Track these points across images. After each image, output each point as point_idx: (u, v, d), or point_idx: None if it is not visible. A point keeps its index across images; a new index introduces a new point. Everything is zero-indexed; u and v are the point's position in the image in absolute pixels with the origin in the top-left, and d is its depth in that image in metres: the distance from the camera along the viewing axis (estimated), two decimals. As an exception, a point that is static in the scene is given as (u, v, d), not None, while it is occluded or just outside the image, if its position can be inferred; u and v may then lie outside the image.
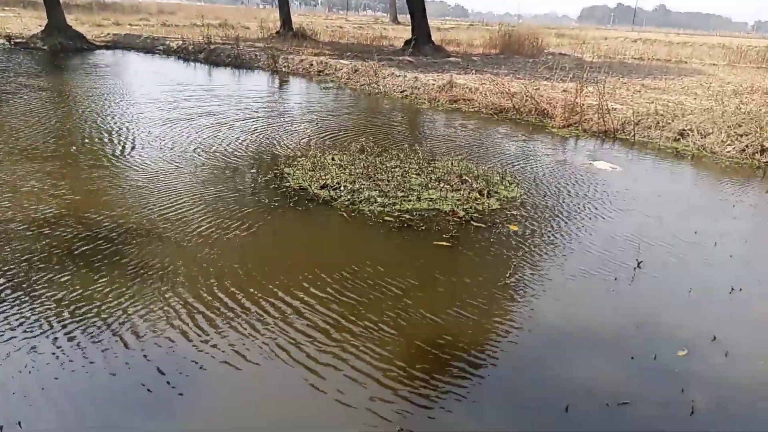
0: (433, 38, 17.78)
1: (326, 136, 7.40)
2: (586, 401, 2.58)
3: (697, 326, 3.25)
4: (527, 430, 2.41)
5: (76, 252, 3.74)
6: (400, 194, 5.08)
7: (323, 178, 5.41)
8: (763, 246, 4.46)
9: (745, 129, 7.48)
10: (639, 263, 3.97)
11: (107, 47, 18.18)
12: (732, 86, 11.52)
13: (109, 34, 19.86)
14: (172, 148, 6.41)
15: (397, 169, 5.76)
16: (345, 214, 4.64)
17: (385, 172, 5.61)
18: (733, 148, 7.29)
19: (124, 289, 3.31)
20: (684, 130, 7.85)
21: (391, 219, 4.56)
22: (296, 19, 24.35)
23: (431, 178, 5.55)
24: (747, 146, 7.22)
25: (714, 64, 17.04)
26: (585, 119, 8.55)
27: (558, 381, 2.73)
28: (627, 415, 2.50)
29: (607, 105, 8.49)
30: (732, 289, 3.69)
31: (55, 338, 2.84)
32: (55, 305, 3.11)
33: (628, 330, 3.19)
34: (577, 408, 2.53)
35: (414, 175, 5.62)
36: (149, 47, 17.94)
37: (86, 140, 6.68)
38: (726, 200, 5.58)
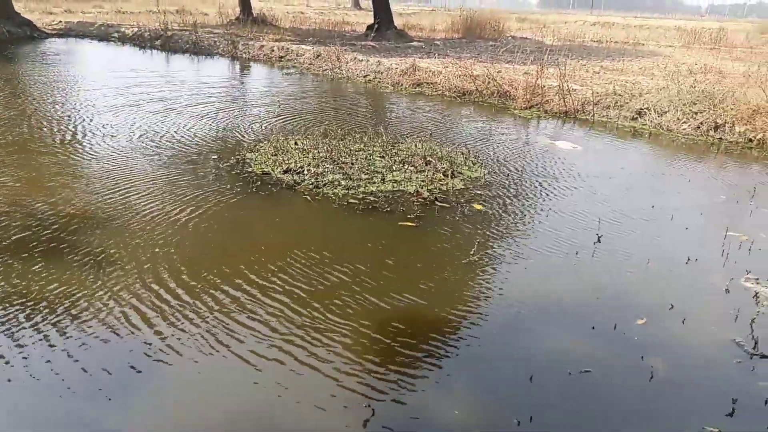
0: (395, 23, 17.70)
1: (289, 121, 7.31)
2: (550, 371, 2.63)
3: (655, 296, 3.34)
4: (493, 402, 2.44)
5: (12, 240, 3.63)
6: (364, 177, 5.05)
7: (286, 162, 5.35)
8: (717, 218, 4.60)
9: (699, 107, 7.69)
10: (599, 237, 4.06)
11: (59, 35, 17.52)
12: (686, 66, 11.81)
13: (60, 21, 19.14)
14: (114, 135, 6.24)
15: (360, 152, 5.73)
16: (309, 198, 4.60)
17: (348, 156, 5.58)
18: (689, 125, 7.49)
19: (55, 279, 3.21)
20: (641, 109, 8.02)
21: (356, 201, 4.55)
22: (256, 5, 23.87)
23: (395, 160, 5.54)
24: (701, 123, 7.43)
25: (670, 46, 17.40)
26: (546, 100, 8.66)
27: (522, 353, 2.77)
28: (589, 383, 2.56)
29: (567, 86, 8.61)
30: (688, 259, 3.80)
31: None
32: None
33: (589, 301, 3.26)
34: (540, 378, 2.57)
35: (378, 158, 5.60)
36: (103, 35, 17.37)
37: (29, 129, 6.44)
38: (681, 175, 5.74)
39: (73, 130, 6.46)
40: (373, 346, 2.74)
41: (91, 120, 6.88)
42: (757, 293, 3.42)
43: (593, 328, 2.98)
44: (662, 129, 7.59)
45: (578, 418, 2.36)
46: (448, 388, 2.50)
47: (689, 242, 4.11)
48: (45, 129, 6.48)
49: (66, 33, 17.90)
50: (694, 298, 3.36)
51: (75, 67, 11.44)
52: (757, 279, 3.57)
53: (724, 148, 6.89)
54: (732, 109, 7.44)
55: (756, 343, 2.90)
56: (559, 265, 3.67)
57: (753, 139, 7.00)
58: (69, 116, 7.08)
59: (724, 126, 7.31)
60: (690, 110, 7.67)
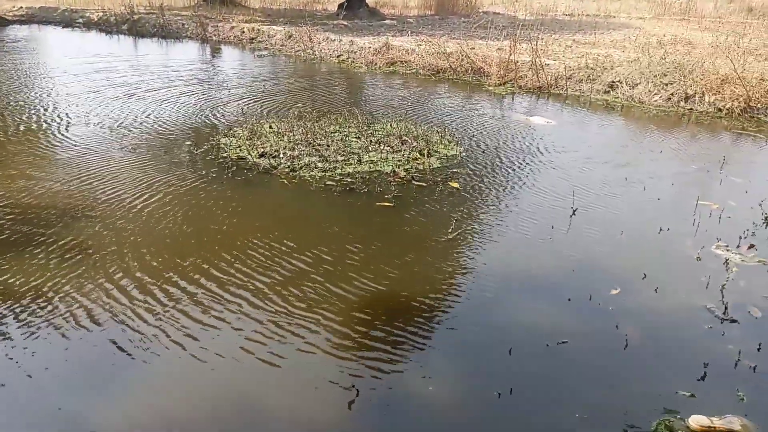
0: (367, 1, 17.49)
1: (263, 104, 7.23)
2: (528, 343, 2.69)
3: (628, 266, 3.42)
4: (473, 376, 2.49)
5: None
6: (340, 158, 5.04)
7: (261, 146, 5.31)
8: (688, 187, 4.70)
9: (669, 78, 7.78)
10: (574, 211, 4.12)
11: (21, 22, 16.98)
12: (657, 38, 11.90)
13: (22, 7, 18.52)
14: (78, 124, 6.12)
15: (336, 134, 5.71)
16: (286, 181, 4.58)
17: (324, 137, 5.55)
18: (660, 96, 7.59)
19: (14, 271, 3.18)
20: (613, 82, 8.09)
21: (333, 183, 4.54)
22: (224, -14, 23.32)
23: (371, 140, 5.53)
24: (672, 94, 7.53)
25: (641, 18, 17.51)
26: (520, 76, 8.68)
27: (501, 327, 2.83)
28: (566, 353, 2.62)
29: (540, 61, 8.63)
30: (660, 229, 3.89)
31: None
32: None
33: (565, 274, 3.32)
34: (519, 350, 2.63)
35: (354, 139, 5.59)
36: (67, 20, 16.88)
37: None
38: (653, 146, 5.83)
39: (30, 119, 6.29)
40: (354, 325, 2.77)
41: (52, 108, 6.73)
42: (727, 260, 3.51)
43: (569, 300, 3.04)
44: (634, 101, 7.68)
45: (557, 388, 2.43)
46: (428, 364, 2.54)
47: (661, 212, 4.20)
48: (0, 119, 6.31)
49: (29, 19, 17.36)
50: (667, 266, 3.45)
51: (35, 55, 11.08)
52: (727, 246, 3.67)
53: (695, 118, 7.00)
54: (701, 79, 7.55)
55: (726, 309, 2.99)
56: (536, 239, 3.73)
57: (722, 108, 7.12)
58: (25, 105, 6.89)
59: (694, 96, 7.42)
60: (661, 82, 7.76)
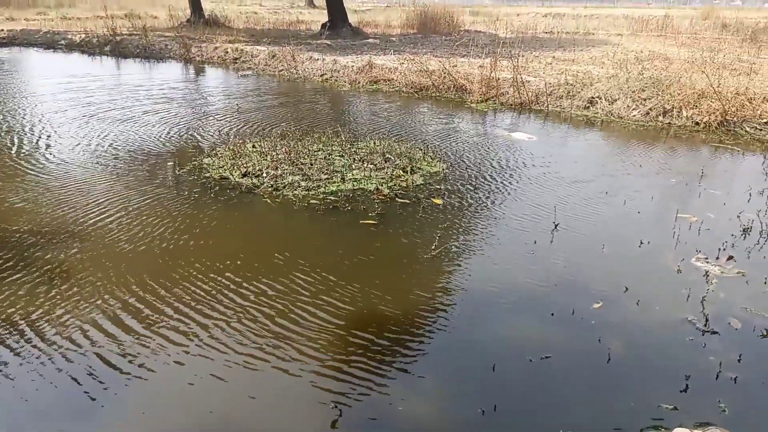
0: (350, 20, 17.66)
1: (246, 123, 7.24)
2: (511, 359, 2.69)
3: (610, 279, 3.44)
4: (456, 393, 2.48)
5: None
6: (324, 177, 5.05)
7: (245, 165, 5.30)
8: (668, 200, 4.76)
9: (648, 93, 7.92)
10: (556, 225, 4.15)
11: (2, 44, 16.91)
12: (635, 54, 12.13)
13: (3, 30, 18.45)
14: (70, 145, 6.09)
15: (319, 152, 5.72)
16: (269, 201, 4.57)
17: (307, 156, 5.56)
18: (638, 111, 7.71)
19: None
20: (593, 97, 8.22)
21: (316, 202, 4.54)
22: (207, 6, 23.45)
23: (355, 158, 5.55)
24: (651, 109, 7.66)
25: (619, 35, 17.84)
26: (501, 93, 8.79)
27: (484, 343, 2.83)
28: (549, 368, 2.62)
29: (521, 78, 8.75)
30: (641, 242, 3.93)
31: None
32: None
33: (547, 288, 3.33)
34: (503, 366, 2.63)
35: (337, 157, 5.60)
36: (50, 42, 16.83)
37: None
38: (633, 161, 5.91)
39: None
40: (335, 347, 2.75)
41: (5, 130, 6.68)
42: (707, 272, 3.56)
43: (552, 314, 3.05)
44: (613, 116, 7.80)
45: (540, 403, 2.42)
46: (410, 382, 2.53)
47: (642, 226, 4.24)
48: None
49: (10, 42, 17.29)
50: (648, 279, 3.48)
51: (8, 76, 10.91)
52: (707, 258, 3.72)
53: (673, 132, 7.12)
54: (679, 94, 7.70)
55: (707, 321, 3.02)
56: (518, 254, 3.75)
57: (699, 122, 7.25)
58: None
59: (672, 111, 7.56)
60: (639, 97, 7.90)
